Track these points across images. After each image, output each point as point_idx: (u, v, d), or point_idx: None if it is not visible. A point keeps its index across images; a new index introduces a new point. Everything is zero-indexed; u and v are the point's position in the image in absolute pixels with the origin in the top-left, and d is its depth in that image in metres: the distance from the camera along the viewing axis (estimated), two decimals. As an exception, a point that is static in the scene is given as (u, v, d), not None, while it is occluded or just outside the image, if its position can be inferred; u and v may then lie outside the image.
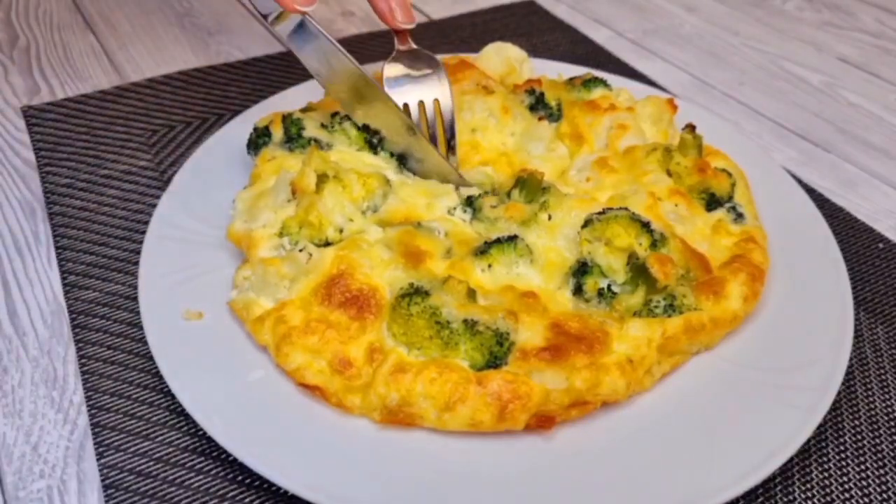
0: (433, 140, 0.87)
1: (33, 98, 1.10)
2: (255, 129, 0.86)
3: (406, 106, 0.87)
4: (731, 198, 0.84)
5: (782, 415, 0.65)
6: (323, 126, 0.86)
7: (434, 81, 0.90)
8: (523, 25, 1.36)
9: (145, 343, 0.70)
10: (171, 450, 0.65)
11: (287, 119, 0.85)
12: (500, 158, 0.88)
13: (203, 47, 1.26)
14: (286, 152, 0.84)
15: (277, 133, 0.85)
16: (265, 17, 0.81)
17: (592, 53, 1.28)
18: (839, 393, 0.73)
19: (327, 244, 0.74)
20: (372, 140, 0.85)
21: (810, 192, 0.98)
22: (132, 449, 0.65)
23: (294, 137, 0.84)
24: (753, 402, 0.67)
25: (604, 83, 0.97)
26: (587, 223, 0.76)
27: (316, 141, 0.84)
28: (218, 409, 0.63)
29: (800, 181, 0.98)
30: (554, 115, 0.94)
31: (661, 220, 0.78)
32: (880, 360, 0.77)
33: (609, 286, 0.72)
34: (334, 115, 0.87)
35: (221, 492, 0.63)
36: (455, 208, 0.80)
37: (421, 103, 0.88)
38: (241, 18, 1.36)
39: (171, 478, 0.63)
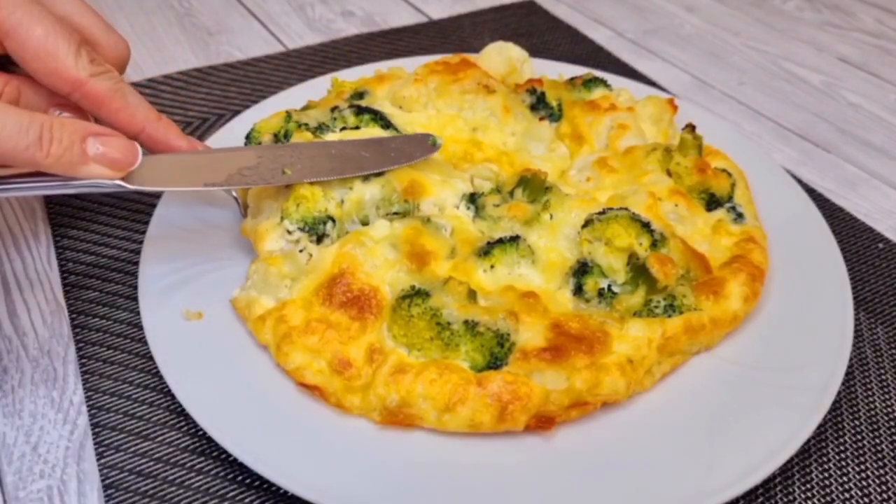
0: None
1: (33, 98, 1.10)
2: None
3: None
4: (731, 198, 0.84)
5: (782, 415, 0.65)
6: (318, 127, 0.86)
7: None
8: (523, 25, 1.36)
9: (145, 343, 0.70)
10: (171, 450, 0.65)
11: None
12: (500, 157, 0.88)
13: (203, 47, 1.26)
14: None
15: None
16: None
17: (592, 53, 1.28)
18: (839, 393, 0.73)
19: (331, 220, 0.74)
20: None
21: (810, 192, 0.98)
22: (132, 449, 0.65)
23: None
24: (753, 402, 0.67)
25: (604, 83, 0.97)
26: (587, 223, 0.75)
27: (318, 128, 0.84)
28: (218, 409, 0.63)
29: (800, 181, 0.98)
30: (555, 115, 0.94)
31: (661, 220, 0.78)
32: (880, 360, 0.77)
33: (609, 286, 0.72)
34: (333, 109, 0.87)
35: (221, 492, 0.63)
36: (459, 205, 0.79)
37: None
38: (241, 18, 1.36)
39: (171, 478, 0.63)
